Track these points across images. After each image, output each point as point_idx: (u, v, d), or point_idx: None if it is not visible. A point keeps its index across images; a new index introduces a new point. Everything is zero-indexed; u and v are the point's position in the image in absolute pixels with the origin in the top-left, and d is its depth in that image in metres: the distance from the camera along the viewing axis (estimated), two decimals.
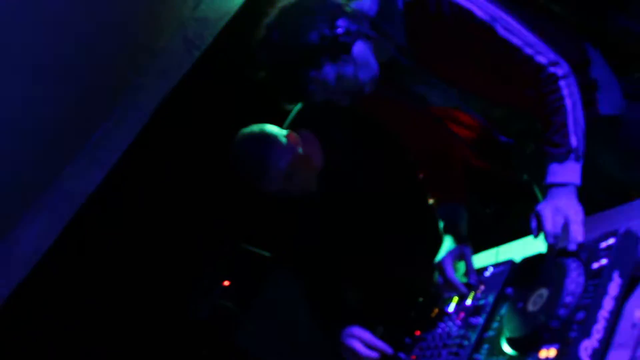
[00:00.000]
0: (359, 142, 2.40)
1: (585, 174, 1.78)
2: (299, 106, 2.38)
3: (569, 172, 1.60)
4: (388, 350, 1.93)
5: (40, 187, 2.88)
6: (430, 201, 2.08)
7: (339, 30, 1.65)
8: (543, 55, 1.64)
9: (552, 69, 1.63)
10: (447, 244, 1.94)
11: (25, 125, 2.53)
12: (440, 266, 1.88)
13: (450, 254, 1.90)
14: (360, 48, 1.69)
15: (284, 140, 2.23)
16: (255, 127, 2.28)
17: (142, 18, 2.80)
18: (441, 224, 2.01)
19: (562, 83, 1.63)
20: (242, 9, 2.95)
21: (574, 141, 1.60)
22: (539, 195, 2.01)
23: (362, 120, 2.36)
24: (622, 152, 1.80)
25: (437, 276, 1.89)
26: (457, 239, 1.93)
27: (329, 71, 1.66)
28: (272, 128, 2.27)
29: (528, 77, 1.66)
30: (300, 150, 2.26)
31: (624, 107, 1.78)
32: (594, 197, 1.73)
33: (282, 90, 1.73)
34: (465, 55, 1.71)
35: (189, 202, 2.94)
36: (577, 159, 1.60)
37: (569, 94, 1.62)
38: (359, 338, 2.03)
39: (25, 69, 2.36)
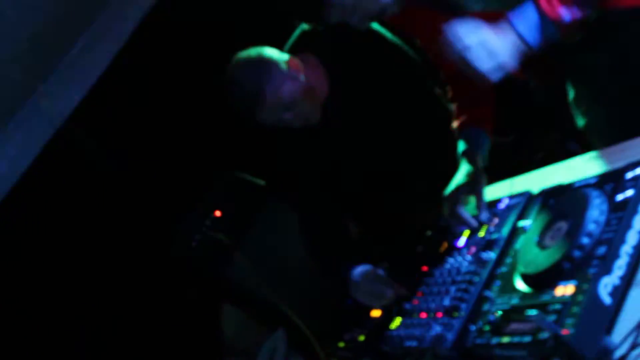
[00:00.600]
0: (369, 68, 2.38)
1: (617, 99, 1.79)
2: (301, 28, 2.36)
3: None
4: (403, 291, 1.96)
5: (16, 107, 2.88)
6: (455, 124, 2.08)
7: None
8: None
9: None
10: (462, 173, 1.95)
11: None
12: (450, 199, 1.90)
13: (463, 186, 1.91)
14: None
15: (284, 66, 2.22)
16: (253, 51, 2.26)
17: None
18: (461, 149, 2.01)
19: None
20: None
21: None
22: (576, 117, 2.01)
23: (374, 44, 2.34)
24: None
25: (446, 209, 1.91)
26: (475, 169, 1.94)
27: None
28: (271, 52, 2.25)
29: None
30: (302, 77, 2.25)
31: None
32: (626, 123, 1.74)
33: (298, 7, 1.73)
34: None
35: (178, 125, 2.94)
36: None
37: None
38: (373, 278, 2.07)
39: None
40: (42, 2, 2.61)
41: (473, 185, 1.90)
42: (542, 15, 1.58)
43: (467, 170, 1.94)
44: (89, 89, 2.78)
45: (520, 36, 1.60)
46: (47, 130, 2.79)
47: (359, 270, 2.12)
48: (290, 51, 2.35)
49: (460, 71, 2.03)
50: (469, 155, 1.97)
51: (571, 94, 2.01)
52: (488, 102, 2.08)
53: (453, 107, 2.13)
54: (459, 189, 1.91)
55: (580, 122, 2.00)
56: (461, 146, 2.01)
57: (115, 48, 2.81)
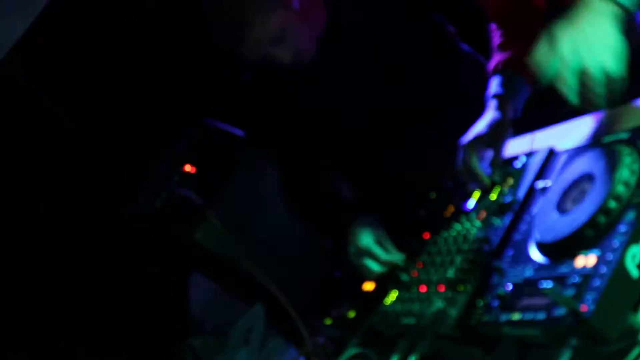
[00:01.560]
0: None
1: None
2: None
3: None
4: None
5: None
6: (494, 60, 2.07)
7: None
8: None
9: None
10: (485, 120, 1.95)
11: None
12: (467, 149, 1.90)
13: (483, 136, 1.91)
14: None
15: None
16: None
17: None
18: (493, 90, 2.00)
19: None
20: None
21: None
22: None
23: None
24: None
25: (460, 160, 1.91)
26: (502, 118, 1.93)
27: None
28: None
29: None
30: (295, 4, 2.24)
31: None
32: None
33: None
34: None
35: (139, 63, 2.93)
36: None
37: None
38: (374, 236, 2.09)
39: None
40: None
41: (495, 138, 1.90)
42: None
43: (491, 117, 1.94)
44: (33, 22, 2.77)
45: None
46: None
47: (364, 219, 2.13)
48: None
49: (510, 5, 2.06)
50: (500, 100, 1.97)
51: None
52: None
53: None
54: (479, 138, 1.90)
55: None
56: (494, 87, 2.01)
57: None
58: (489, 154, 1.90)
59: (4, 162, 2.89)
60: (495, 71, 2.03)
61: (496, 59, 2.06)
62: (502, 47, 2.08)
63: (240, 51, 2.22)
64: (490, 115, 1.94)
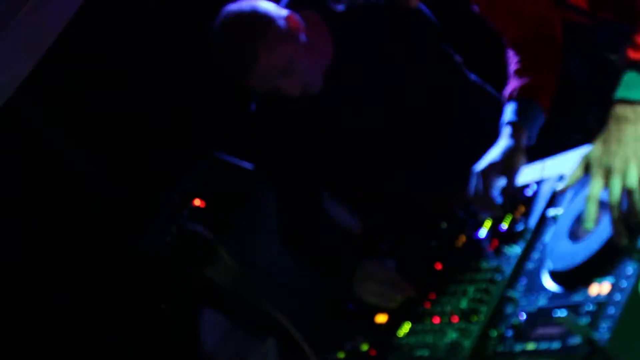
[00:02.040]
0: (383, 30, 2.39)
1: None
2: None
3: None
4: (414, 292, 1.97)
5: None
6: (509, 87, 2.06)
7: None
8: None
9: None
10: (499, 147, 1.93)
11: None
12: (480, 176, 1.89)
13: (497, 164, 1.90)
14: None
15: (281, 23, 2.22)
16: (245, 4, 2.26)
17: None
18: (507, 117, 1.99)
19: None
20: None
21: None
22: None
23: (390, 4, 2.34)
24: None
25: (472, 188, 1.90)
26: (516, 146, 1.92)
27: None
28: (267, 5, 2.24)
29: None
30: (302, 37, 2.25)
31: None
32: None
33: None
34: None
35: (149, 98, 2.95)
36: None
37: None
38: (382, 274, 2.08)
39: None
40: None
41: (509, 165, 1.89)
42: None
43: (506, 145, 1.93)
44: (40, 57, 2.80)
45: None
46: None
47: (366, 264, 2.13)
48: (290, 5, 2.35)
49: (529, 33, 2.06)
50: (515, 127, 1.96)
51: None
52: (554, 70, 2.08)
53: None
54: (493, 166, 1.89)
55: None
56: (509, 114, 1.99)
57: (72, 6, 2.82)
58: (502, 181, 1.89)
59: (27, 193, 2.92)
60: (511, 98, 2.02)
61: (512, 85, 2.05)
62: (518, 73, 2.07)
63: (249, 84, 2.23)
64: (504, 142, 1.93)
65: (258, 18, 2.20)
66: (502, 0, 2.02)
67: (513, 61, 2.11)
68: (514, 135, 1.93)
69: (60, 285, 3.01)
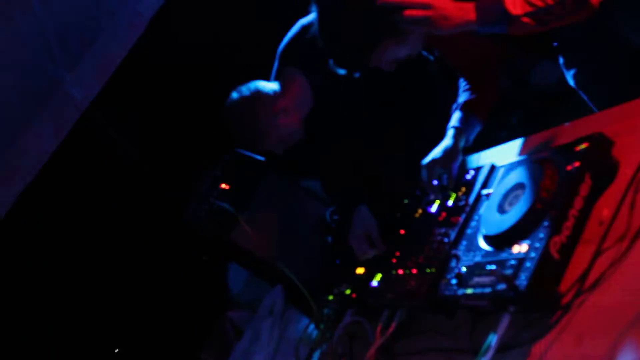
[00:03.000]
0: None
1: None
2: (300, 23, 2.33)
3: None
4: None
5: (48, 93, 2.89)
6: (456, 104, 2.04)
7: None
8: None
9: None
10: (441, 146, 1.91)
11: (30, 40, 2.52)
12: (426, 168, 1.88)
13: (438, 160, 1.88)
14: None
15: (274, 102, 2.26)
16: (246, 90, 2.28)
17: None
18: (452, 123, 1.97)
19: None
20: None
21: None
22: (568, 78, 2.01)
23: None
24: None
25: (422, 176, 1.89)
26: (454, 147, 1.90)
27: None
28: (263, 88, 2.28)
29: None
30: (291, 112, 2.28)
31: None
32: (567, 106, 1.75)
33: (341, 57, 1.77)
34: None
35: (189, 111, 2.95)
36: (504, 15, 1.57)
37: None
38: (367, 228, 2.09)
39: None
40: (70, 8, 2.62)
41: (448, 162, 1.87)
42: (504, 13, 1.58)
43: (446, 145, 1.91)
44: (108, 79, 2.79)
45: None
46: (75, 113, 2.80)
47: (362, 216, 2.13)
48: (282, 57, 2.34)
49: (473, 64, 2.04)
50: (456, 132, 1.93)
51: (561, 59, 2.00)
52: (493, 93, 2.06)
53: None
54: (435, 161, 1.88)
55: (571, 82, 2.00)
56: (454, 121, 1.97)
57: (128, 45, 2.82)
58: (444, 172, 1.88)
59: (93, 181, 2.92)
60: (457, 109, 2.00)
61: (460, 99, 2.03)
62: (464, 91, 2.05)
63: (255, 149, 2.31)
64: (446, 142, 1.91)
65: (257, 104, 2.26)
66: (457, 45, 2.00)
67: (461, 80, 2.09)
68: (455, 137, 1.91)
69: (133, 244, 3.02)
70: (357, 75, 1.84)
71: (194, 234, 2.66)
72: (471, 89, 2.04)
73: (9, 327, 2.78)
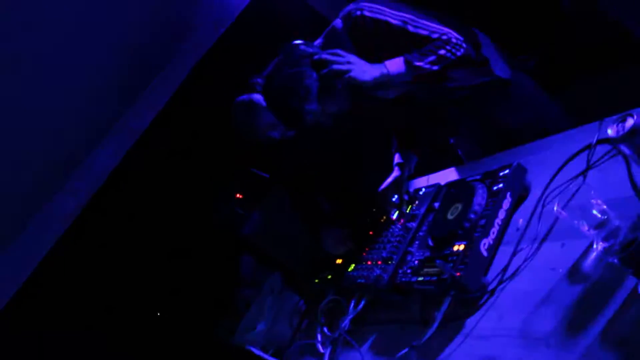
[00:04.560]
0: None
1: (487, 124, 1.78)
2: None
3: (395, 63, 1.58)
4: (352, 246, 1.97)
5: (111, 124, 2.88)
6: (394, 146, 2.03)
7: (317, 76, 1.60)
8: (445, 34, 1.59)
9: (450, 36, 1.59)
10: (392, 177, 1.90)
11: (98, 82, 2.51)
12: (382, 194, 1.88)
13: (390, 188, 1.88)
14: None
15: (263, 102, 2.17)
16: (246, 97, 2.21)
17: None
18: (397, 160, 1.96)
19: (453, 40, 1.58)
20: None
21: (421, 63, 1.57)
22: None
23: None
24: (512, 106, 1.79)
25: (380, 199, 1.89)
26: (401, 178, 1.90)
27: (316, 104, 1.62)
28: (256, 95, 2.19)
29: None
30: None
31: (511, 74, 1.75)
32: (494, 141, 1.74)
33: (285, 123, 1.70)
34: (392, 49, 1.63)
35: (217, 139, 2.93)
36: (407, 65, 1.57)
37: (451, 48, 1.57)
38: (335, 235, 2.05)
39: (108, 42, 2.34)
40: (131, 58, 2.61)
41: (398, 189, 1.87)
42: (406, 63, 1.59)
43: (395, 176, 1.90)
44: (159, 112, 2.78)
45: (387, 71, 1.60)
46: (130, 140, 2.79)
47: (329, 231, 2.12)
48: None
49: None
50: (400, 166, 1.93)
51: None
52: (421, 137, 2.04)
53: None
54: (387, 188, 1.88)
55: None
56: (396, 158, 1.97)
57: (174, 86, 2.82)
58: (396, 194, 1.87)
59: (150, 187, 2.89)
60: (396, 150, 2.00)
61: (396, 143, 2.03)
62: (399, 137, 2.05)
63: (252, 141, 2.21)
64: (394, 174, 1.91)
65: (253, 108, 2.15)
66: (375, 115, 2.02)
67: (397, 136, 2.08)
68: (401, 170, 1.91)
69: (173, 238, 2.94)
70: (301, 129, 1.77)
71: (220, 231, 2.62)
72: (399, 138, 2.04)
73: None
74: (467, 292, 1.26)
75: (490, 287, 1.25)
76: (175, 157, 2.91)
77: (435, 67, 1.57)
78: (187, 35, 2.95)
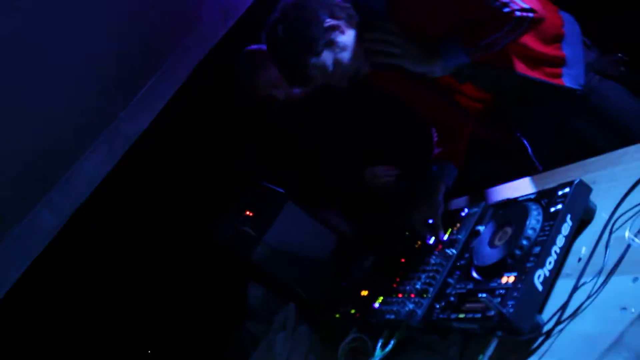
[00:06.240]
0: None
1: (563, 129, 1.76)
2: None
3: None
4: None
5: (102, 127, 2.93)
6: (432, 156, 2.00)
7: (333, 22, 1.60)
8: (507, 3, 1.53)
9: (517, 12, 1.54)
10: (426, 198, 1.88)
11: (91, 82, 2.56)
12: (415, 221, 1.86)
13: (423, 212, 1.85)
14: (352, 34, 1.63)
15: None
16: (256, 46, 2.33)
17: None
18: (432, 174, 1.93)
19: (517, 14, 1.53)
20: None
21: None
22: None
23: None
24: (589, 116, 1.76)
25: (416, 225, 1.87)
26: (435, 197, 1.87)
27: (327, 57, 1.62)
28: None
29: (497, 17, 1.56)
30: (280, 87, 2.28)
31: (586, 83, 1.73)
32: (559, 153, 1.73)
33: (287, 77, 1.70)
34: (443, 15, 1.59)
35: (221, 146, 2.96)
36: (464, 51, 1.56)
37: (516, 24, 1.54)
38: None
39: (97, 29, 2.38)
40: (125, 53, 2.66)
41: (433, 212, 1.83)
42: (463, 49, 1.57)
43: (429, 197, 1.87)
44: (156, 115, 2.83)
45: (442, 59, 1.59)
46: (125, 145, 2.83)
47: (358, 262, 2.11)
48: None
49: (437, 124, 2.01)
50: (435, 181, 1.90)
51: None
52: (464, 142, 2.01)
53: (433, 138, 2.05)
54: (421, 213, 1.85)
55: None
56: (431, 172, 1.94)
57: (175, 87, 2.86)
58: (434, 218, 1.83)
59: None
60: (433, 160, 1.97)
61: (435, 151, 1.99)
62: (437, 144, 2.02)
63: (254, 90, 2.30)
64: (428, 194, 1.88)
65: (261, 53, 2.19)
66: (416, 99, 1.98)
67: (434, 133, 2.05)
68: (436, 188, 1.89)
69: (170, 260, 3.00)
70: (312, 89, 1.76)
71: (223, 252, 2.64)
72: (440, 140, 2.01)
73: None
74: (518, 333, 1.24)
75: (546, 328, 1.23)
76: (174, 166, 2.95)
77: (496, 48, 1.56)
78: (190, 28, 2.98)
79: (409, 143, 2.32)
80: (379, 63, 1.65)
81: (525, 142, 1.97)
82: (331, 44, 1.61)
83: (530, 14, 1.54)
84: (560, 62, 1.71)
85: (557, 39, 1.72)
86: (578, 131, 1.78)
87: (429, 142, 2.07)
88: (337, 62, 1.63)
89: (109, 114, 2.94)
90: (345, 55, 1.63)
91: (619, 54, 1.82)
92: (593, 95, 1.73)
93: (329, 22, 1.59)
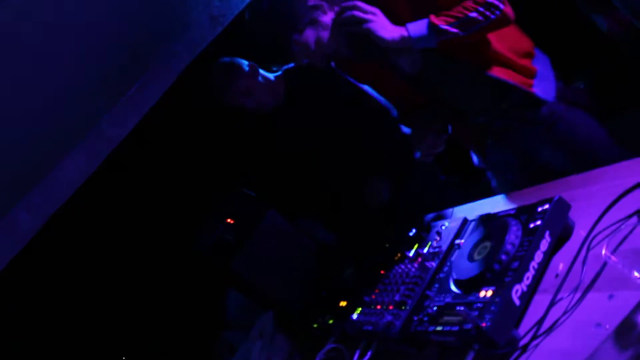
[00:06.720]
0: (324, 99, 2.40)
1: (529, 159, 1.78)
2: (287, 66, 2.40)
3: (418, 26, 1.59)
4: None
5: (85, 131, 2.90)
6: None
7: (317, 1, 1.64)
8: None
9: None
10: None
11: (75, 82, 2.53)
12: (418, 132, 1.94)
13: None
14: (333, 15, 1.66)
15: (246, 68, 2.36)
16: (228, 59, 2.42)
17: None
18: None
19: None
20: None
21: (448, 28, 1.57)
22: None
23: (331, 85, 2.35)
24: (557, 144, 1.79)
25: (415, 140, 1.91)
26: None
27: (309, 35, 1.65)
28: (240, 59, 2.40)
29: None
30: (260, 78, 2.37)
31: (557, 105, 1.76)
32: (537, 174, 1.74)
33: (270, 52, 1.75)
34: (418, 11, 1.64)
35: (204, 152, 2.95)
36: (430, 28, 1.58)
37: (484, 10, 1.57)
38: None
39: (82, 30, 2.36)
40: (111, 56, 2.63)
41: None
42: (430, 25, 1.59)
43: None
44: (140, 119, 2.82)
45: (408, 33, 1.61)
46: (107, 148, 2.81)
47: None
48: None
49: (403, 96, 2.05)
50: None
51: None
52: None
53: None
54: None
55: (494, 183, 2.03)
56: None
57: (160, 91, 2.85)
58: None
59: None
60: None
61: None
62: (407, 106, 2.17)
63: (225, 99, 2.40)
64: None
65: (232, 63, 2.36)
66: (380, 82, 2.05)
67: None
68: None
69: (148, 269, 3.00)
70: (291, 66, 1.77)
71: (202, 260, 2.62)
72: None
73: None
74: (494, 347, 1.24)
75: (522, 343, 1.23)
76: (156, 171, 2.93)
77: (462, 32, 1.57)
78: (179, 34, 2.97)
79: (387, 147, 2.35)
80: (353, 49, 1.66)
81: (489, 174, 2.01)
82: (314, 22, 1.64)
83: (502, 5, 1.57)
84: (531, 73, 1.73)
85: (529, 55, 1.75)
86: (545, 161, 1.81)
87: (405, 145, 2.12)
88: (318, 41, 1.66)
89: (92, 116, 2.91)
90: (326, 35, 1.66)
91: (582, 84, 1.87)
92: (561, 122, 1.76)
93: (313, 1, 1.63)
